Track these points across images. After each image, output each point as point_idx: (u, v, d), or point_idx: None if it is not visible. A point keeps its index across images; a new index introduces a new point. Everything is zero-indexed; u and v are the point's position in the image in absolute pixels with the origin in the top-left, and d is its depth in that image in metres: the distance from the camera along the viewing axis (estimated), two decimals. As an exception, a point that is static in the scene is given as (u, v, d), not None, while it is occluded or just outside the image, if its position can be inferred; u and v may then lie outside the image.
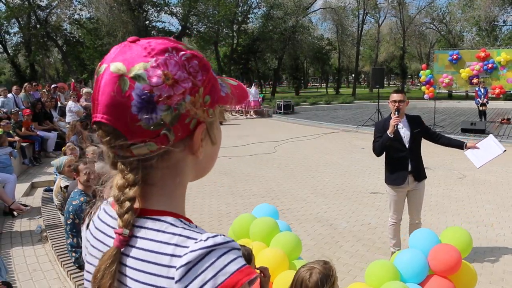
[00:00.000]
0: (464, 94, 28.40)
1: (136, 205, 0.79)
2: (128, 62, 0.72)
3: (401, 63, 48.44)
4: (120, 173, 0.79)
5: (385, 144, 4.79)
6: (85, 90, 14.88)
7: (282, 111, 23.09)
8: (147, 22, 37.19)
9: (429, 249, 3.53)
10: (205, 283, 0.69)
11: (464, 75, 18.60)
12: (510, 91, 20.59)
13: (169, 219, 0.78)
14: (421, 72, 17.77)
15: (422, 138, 5.01)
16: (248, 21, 42.28)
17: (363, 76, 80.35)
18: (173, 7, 38.82)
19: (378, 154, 4.92)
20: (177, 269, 0.71)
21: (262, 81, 47.27)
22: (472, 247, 5.46)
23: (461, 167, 9.94)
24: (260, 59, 44.83)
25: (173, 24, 67.52)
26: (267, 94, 39.54)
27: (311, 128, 18.32)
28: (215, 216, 7.00)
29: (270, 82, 52.75)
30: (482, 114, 16.84)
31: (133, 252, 0.77)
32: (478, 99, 17.14)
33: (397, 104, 4.75)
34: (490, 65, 18.46)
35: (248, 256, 2.57)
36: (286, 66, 49.73)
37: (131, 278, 0.76)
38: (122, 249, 0.77)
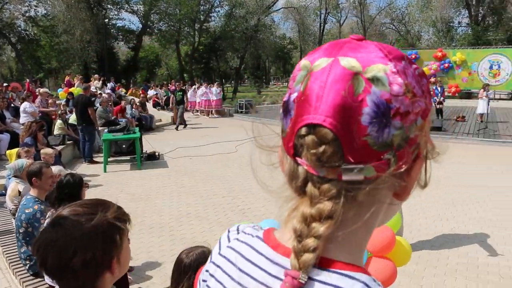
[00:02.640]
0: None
1: None
2: (363, 60, 0.57)
3: (362, 62, 49.33)
4: (310, 199, 0.60)
5: None
6: (41, 90, 14.39)
7: (244, 110, 23.02)
8: (106, 20, 36.45)
9: None
10: None
11: (421, 74, 19.12)
12: (465, 90, 21.35)
13: (364, 277, 0.60)
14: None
15: None
16: (210, 19, 42.15)
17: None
18: (134, 5, 38.29)
19: None
20: None
21: (223, 80, 47.10)
22: (429, 240, 5.67)
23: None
24: (221, 58, 44.69)
25: (134, 23, 66.38)
26: (228, 93, 39.37)
27: (272, 127, 18.32)
28: (174, 217, 6.88)
29: (232, 81, 52.67)
30: (439, 112, 17.30)
31: None
32: (435, 98, 17.62)
33: None
34: (446, 65, 19.10)
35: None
36: (248, 65, 49.81)
37: None
38: None
